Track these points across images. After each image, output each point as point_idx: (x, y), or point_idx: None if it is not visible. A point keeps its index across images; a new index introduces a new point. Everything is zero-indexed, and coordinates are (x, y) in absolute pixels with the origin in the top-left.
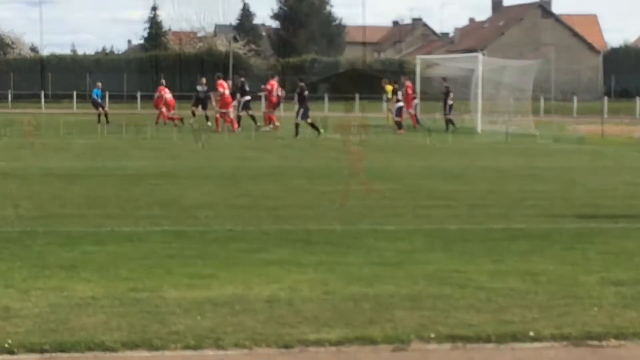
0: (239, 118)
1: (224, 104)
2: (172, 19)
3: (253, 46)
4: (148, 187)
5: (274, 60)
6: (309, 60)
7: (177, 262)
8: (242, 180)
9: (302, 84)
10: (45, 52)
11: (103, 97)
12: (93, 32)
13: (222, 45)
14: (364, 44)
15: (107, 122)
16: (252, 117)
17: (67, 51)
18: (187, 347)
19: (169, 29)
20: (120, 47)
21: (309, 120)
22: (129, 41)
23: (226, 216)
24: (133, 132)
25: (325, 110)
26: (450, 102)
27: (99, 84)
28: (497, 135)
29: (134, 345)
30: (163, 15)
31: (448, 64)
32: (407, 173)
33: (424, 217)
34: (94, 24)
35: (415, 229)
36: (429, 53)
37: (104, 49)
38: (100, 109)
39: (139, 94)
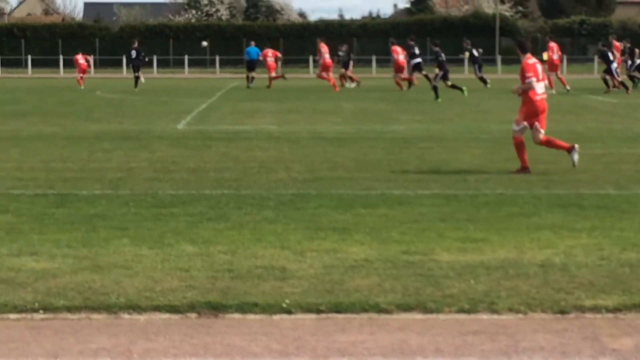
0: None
1: (323, 68)
2: None
3: (520, 8)
4: (417, 151)
5: (541, 22)
6: (577, 21)
7: (448, 226)
8: (511, 143)
9: (437, 48)
10: (313, 17)
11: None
12: None
13: (488, 7)
14: (636, 3)
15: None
16: (427, 77)
17: (334, 16)
18: (461, 310)
19: None
20: (386, 11)
21: (449, 83)
22: (395, 5)
23: (496, 180)
24: (398, 97)
25: (594, 72)
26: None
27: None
28: None
29: (408, 308)
30: None
31: None
32: None
33: None
34: None
35: None
36: None
37: (370, 13)
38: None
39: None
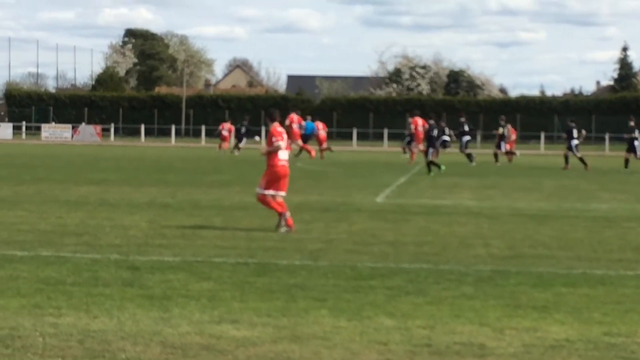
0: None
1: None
2: None
3: None
4: (620, 230)
5: None
6: None
7: None
8: None
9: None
10: (514, 93)
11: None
12: (561, 73)
13: None
14: None
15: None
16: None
17: (535, 92)
18: None
19: None
20: (588, 88)
21: (429, 158)
22: (598, 82)
23: None
24: (599, 174)
25: None
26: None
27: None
28: None
29: None
30: (633, 56)
31: None
32: None
33: None
34: (561, 65)
35: None
36: None
37: (572, 90)
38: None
39: (607, 136)
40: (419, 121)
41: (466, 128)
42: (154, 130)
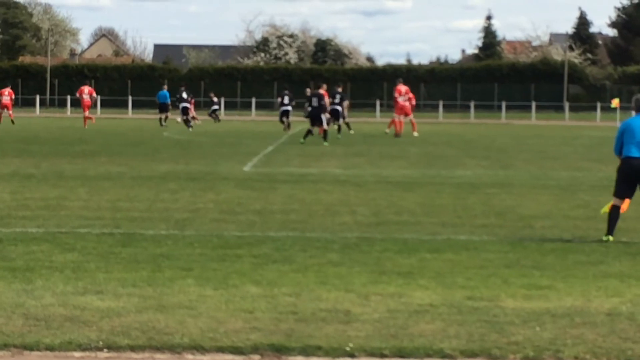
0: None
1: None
2: (507, 28)
3: (589, 55)
4: (483, 196)
5: (610, 69)
6: None
7: (513, 272)
8: (579, 191)
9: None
10: (380, 62)
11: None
12: (427, 41)
13: (557, 54)
14: None
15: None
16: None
17: (402, 61)
18: (526, 357)
19: (504, 38)
20: (454, 56)
21: None
22: (463, 50)
23: (563, 227)
24: (464, 142)
25: None
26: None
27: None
28: None
29: (472, 354)
30: (497, 25)
31: None
32: None
33: None
34: (427, 34)
35: None
36: None
37: (438, 59)
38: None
39: (472, 104)
40: None
41: (184, 95)
42: (18, 101)
